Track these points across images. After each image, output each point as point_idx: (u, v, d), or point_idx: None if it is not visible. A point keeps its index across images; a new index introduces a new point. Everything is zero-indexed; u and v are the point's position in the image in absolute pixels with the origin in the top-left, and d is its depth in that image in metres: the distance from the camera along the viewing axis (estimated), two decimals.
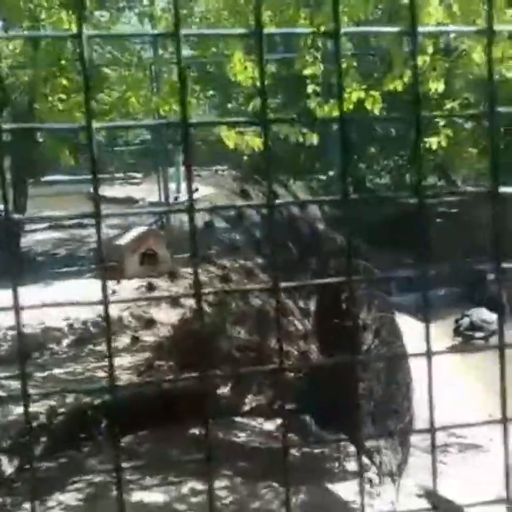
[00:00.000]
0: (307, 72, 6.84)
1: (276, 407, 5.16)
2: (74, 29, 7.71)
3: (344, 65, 6.96)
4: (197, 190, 16.24)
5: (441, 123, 6.44)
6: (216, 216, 5.38)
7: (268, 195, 1.02)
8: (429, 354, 0.85)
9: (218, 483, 4.71)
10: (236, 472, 4.89)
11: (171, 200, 11.94)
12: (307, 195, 5.49)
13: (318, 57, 6.84)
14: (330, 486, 4.67)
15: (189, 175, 0.92)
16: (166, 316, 6.23)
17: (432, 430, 0.75)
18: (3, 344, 7.00)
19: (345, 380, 4.43)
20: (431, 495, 4.56)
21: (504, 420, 0.76)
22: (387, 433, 4.49)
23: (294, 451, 5.08)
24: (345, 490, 4.58)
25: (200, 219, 5.42)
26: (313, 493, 4.46)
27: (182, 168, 16.70)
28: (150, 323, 6.98)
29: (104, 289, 0.85)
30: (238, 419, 5.65)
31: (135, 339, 6.36)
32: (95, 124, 0.87)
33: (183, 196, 16.29)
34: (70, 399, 5.63)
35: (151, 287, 5.70)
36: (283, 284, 0.93)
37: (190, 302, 5.30)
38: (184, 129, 0.82)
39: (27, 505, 4.62)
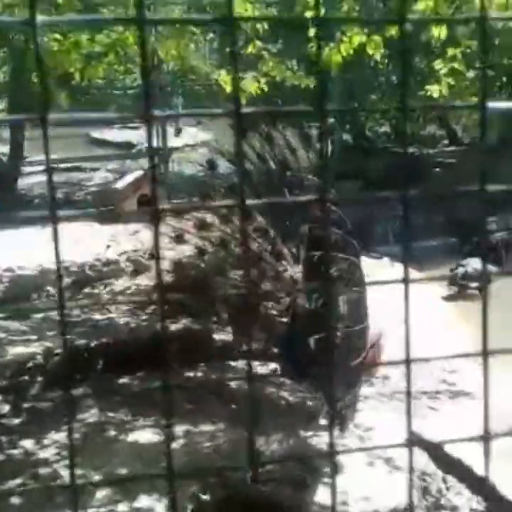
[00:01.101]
0: (308, 14, 6.71)
1: (269, 351, 5.22)
2: None
3: (345, 8, 6.85)
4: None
5: (443, 71, 6.35)
6: (219, 157, 5.39)
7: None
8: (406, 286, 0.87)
9: (205, 427, 4.80)
10: (224, 416, 4.97)
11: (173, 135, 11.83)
12: (303, 142, 5.44)
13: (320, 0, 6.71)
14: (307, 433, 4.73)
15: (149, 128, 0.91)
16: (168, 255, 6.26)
17: (407, 362, 0.76)
18: (0, 285, 7.04)
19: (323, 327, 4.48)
20: (412, 435, 4.64)
21: (485, 353, 0.77)
22: (345, 372, 4.54)
23: (287, 397, 5.17)
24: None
25: (203, 158, 5.44)
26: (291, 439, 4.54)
27: (181, 112, 16.54)
28: (145, 268, 7.02)
29: None
30: (232, 363, 5.72)
31: (134, 276, 6.41)
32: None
33: (180, 140, 16.18)
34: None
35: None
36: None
37: (188, 246, 5.32)
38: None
39: (23, 443, 4.71)
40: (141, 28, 0.77)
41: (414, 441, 4.53)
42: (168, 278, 5.54)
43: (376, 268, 7.17)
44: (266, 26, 6.78)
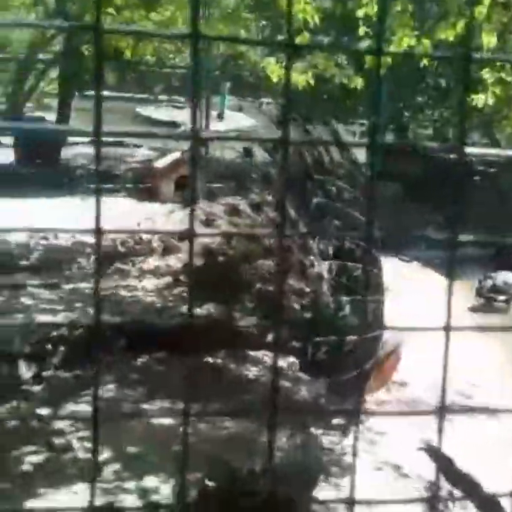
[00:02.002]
0: (361, 12, 6.70)
1: (288, 344, 5.25)
2: None
3: (398, 8, 6.81)
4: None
5: (490, 80, 6.30)
6: (257, 146, 5.39)
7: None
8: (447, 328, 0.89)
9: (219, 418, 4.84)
10: (239, 405, 5.01)
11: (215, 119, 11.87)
12: (347, 139, 5.43)
13: None
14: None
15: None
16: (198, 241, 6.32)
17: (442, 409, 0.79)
18: (35, 253, 7.16)
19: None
20: (432, 450, 4.65)
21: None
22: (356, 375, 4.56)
23: (304, 392, 5.19)
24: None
25: (240, 146, 5.45)
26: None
27: (227, 97, 16.57)
28: (176, 248, 7.09)
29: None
30: (253, 353, 5.76)
31: (163, 255, 6.46)
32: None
33: (223, 125, 16.21)
34: (91, 314, 5.78)
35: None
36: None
37: (223, 229, 5.35)
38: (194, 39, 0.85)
39: (40, 411, 4.81)
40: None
41: (426, 450, 4.55)
42: (195, 261, 5.60)
43: (405, 272, 7.16)
44: (317, 19, 6.76)
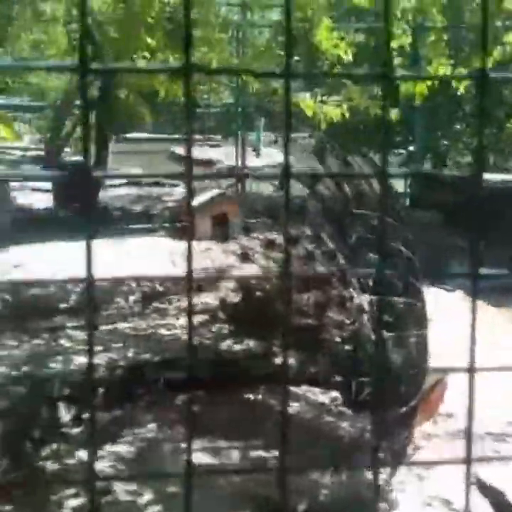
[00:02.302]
0: (395, 44, 6.67)
1: (331, 379, 5.14)
2: None
3: (432, 38, 6.77)
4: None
5: None
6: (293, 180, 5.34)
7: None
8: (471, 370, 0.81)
9: (259, 451, 4.73)
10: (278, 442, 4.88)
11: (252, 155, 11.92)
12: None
13: (407, 30, 6.67)
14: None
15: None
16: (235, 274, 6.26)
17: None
18: (73, 295, 7.16)
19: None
20: (483, 484, 4.47)
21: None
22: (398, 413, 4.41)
23: (345, 427, 5.05)
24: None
25: (276, 181, 5.41)
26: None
27: (262, 133, 16.66)
28: (213, 286, 7.03)
29: None
30: (294, 388, 5.64)
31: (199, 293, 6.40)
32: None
33: (260, 161, 16.26)
34: (130, 353, 5.74)
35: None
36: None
37: (254, 266, 5.30)
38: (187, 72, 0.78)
39: (80, 453, 4.74)
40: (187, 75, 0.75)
41: (475, 484, 4.37)
42: (233, 297, 5.55)
43: (448, 302, 6.99)
44: (349, 53, 6.77)
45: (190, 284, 0.78)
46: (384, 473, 4.33)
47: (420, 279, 4.60)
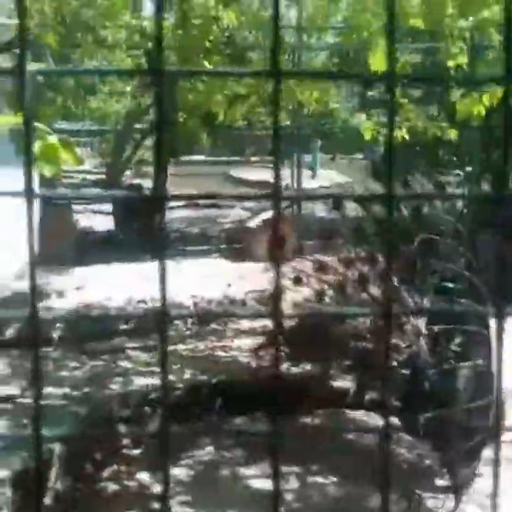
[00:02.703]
0: (451, 63, 6.63)
1: (389, 404, 5.07)
2: (220, 13, 7.80)
3: (491, 57, 6.72)
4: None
5: None
6: (347, 202, 5.34)
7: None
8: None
9: (318, 478, 4.71)
10: (338, 468, 4.85)
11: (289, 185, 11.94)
12: (438, 192, 5.30)
13: (464, 49, 6.62)
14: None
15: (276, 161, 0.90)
16: (290, 297, 6.27)
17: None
18: (132, 317, 7.26)
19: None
20: None
21: None
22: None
23: (404, 453, 4.99)
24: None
25: (330, 203, 5.40)
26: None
27: (319, 155, 16.67)
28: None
29: None
30: (352, 412, 5.60)
31: (257, 316, 6.42)
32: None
33: (315, 182, 16.28)
34: (187, 375, 5.79)
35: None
36: None
37: (314, 286, 5.28)
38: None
39: (140, 475, 4.79)
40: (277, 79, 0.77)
41: None
42: (288, 321, 5.54)
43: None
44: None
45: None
46: (446, 502, 4.26)
47: (487, 305, 4.49)
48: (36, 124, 2.31)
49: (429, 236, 4.73)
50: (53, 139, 2.35)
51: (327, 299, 5.11)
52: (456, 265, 4.68)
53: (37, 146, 2.29)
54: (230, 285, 7.88)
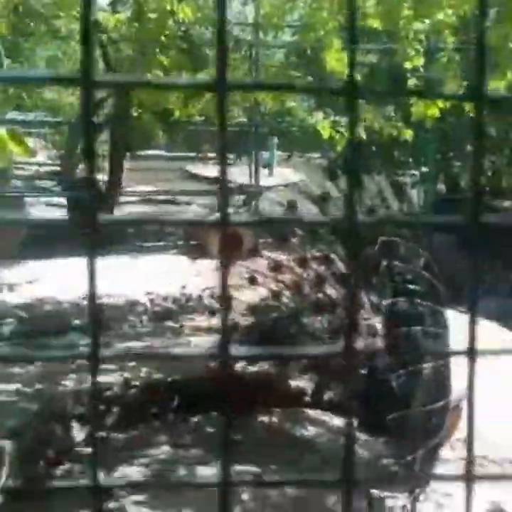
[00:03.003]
0: (408, 65, 6.70)
1: (346, 403, 5.10)
2: (176, 7, 7.75)
3: (445, 59, 6.81)
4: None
5: None
6: (302, 198, 5.33)
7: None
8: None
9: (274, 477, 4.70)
10: (294, 467, 4.87)
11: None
12: (394, 192, 5.34)
13: (420, 51, 6.70)
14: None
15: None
16: (245, 297, 6.26)
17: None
18: (86, 312, 7.18)
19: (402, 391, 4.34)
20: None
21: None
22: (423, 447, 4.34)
23: (361, 453, 5.03)
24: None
25: (285, 199, 5.38)
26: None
27: (276, 153, 16.70)
28: (228, 303, 7.03)
29: None
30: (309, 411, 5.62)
31: (211, 316, 6.39)
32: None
33: (272, 180, 16.29)
34: (143, 373, 5.75)
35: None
36: None
37: (269, 285, 5.28)
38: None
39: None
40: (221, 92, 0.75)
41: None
42: (243, 320, 5.54)
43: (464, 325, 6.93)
44: (359, 75, 6.79)
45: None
46: (402, 499, 4.30)
47: (444, 305, 4.54)
48: None
49: (389, 238, 4.76)
50: (1, 130, 2.29)
51: (283, 299, 5.11)
52: (414, 267, 4.72)
53: None
54: (184, 286, 7.83)
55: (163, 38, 8.33)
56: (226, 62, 0.75)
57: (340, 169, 5.39)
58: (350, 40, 0.81)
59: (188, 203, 15.23)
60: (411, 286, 4.62)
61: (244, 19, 13.07)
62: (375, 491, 4.37)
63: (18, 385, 5.32)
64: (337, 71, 6.68)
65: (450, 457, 4.88)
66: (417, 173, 11.48)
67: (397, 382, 4.45)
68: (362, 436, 5.02)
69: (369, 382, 4.67)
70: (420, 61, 6.60)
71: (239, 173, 16.16)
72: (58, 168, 17.09)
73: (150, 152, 19.09)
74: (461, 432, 4.98)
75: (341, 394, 5.18)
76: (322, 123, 6.98)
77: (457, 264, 4.49)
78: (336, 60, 6.55)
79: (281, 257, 5.23)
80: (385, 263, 4.76)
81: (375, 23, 6.94)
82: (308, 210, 5.36)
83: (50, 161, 20.54)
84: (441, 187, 11.66)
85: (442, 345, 4.49)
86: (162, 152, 19.56)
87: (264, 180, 13.00)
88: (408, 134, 6.86)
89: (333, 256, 5.11)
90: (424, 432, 4.30)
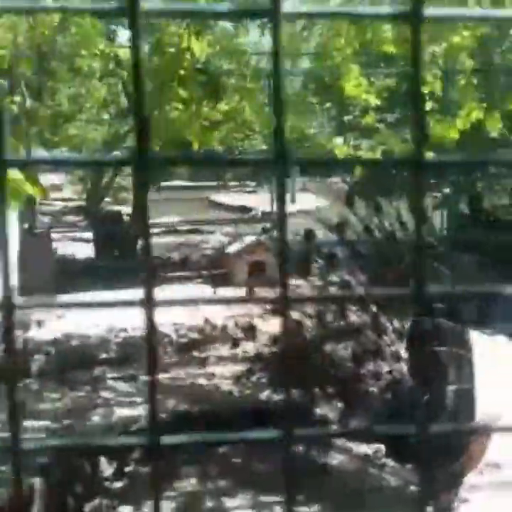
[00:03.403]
0: (426, 89, 6.70)
1: (373, 431, 5.06)
2: (192, 43, 7.85)
3: (463, 82, 6.80)
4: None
5: None
6: (320, 226, 5.33)
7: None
8: None
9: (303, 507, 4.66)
10: (322, 495, 4.82)
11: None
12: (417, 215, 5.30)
13: (437, 75, 6.70)
14: None
15: None
16: (270, 327, 6.25)
17: None
18: (114, 346, 7.20)
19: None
20: None
21: None
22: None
23: (389, 479, 4.97)
24: None
25: (302, 227, 5.38)
26: None
27: (297, 180, 16.74)
28: (252, 333, 7.03)
29: None
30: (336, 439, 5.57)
31: (235, 347, 6.39)
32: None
33: (294, 206, 16.30)
34: (170, 404, 5.74)
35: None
36: None
37: (293, 315, 5.27)
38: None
39: (122, 509, 4.73)
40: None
41: None
42: (268, 349, 5.53)
43: (491, 347, 6.86)
44: (378, 99, 6.82)
45: None
46: None
47: (467, 326, 4.48)
48: None
49: (404, 256, 4.73)
50: (16, 173, 2.34)
51: (307, 328, 5.10)
52: (439, 287, 4.67)
53: None
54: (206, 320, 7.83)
55: (181, 71, 8.43)
56: (284, 134, 0.69)
57: (357, 194, 5.38)
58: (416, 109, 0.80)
59: (212, 232, 15.29)
60: (434, 306, 4.57)
61: (262, 48, 13.20)
62: None
63: (47, 422, 5.34)
64: (355, 96, 6.72)
65: (479, 483, 4.81)
66: (438, 194, 11.44)
67: (421, 405, 4.40)
68: (389, 463, 4.97)
69: (394, 407, 4.63)
70: (438, 85, 6.60)
71: (261, 201, 16.21)
72: (84, 203, 17.28)
73: (173, 183, 19.25)
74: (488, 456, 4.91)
75: (366, 420, 5.14)
76: (341, 148, 7.00)
77: (479, 282, 4.45)
78: (353, 86, 6.59)
79: (303, 288, 5.22)
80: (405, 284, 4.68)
81: (391, 48, 6.98)
82: (326, 237, 5.36)
83: (76, 196, 20.79)
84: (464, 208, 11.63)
85: (467, 368, 4.43)
86: (185, 182, 19.71)
87: (288, 207, 12.99)
88: (429, 157, 6.84)
89: (353, 282, 5.09)
90: (449, 455, 4.23)
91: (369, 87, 6.73)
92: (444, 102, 7.45)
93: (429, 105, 6.73)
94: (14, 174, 2.34)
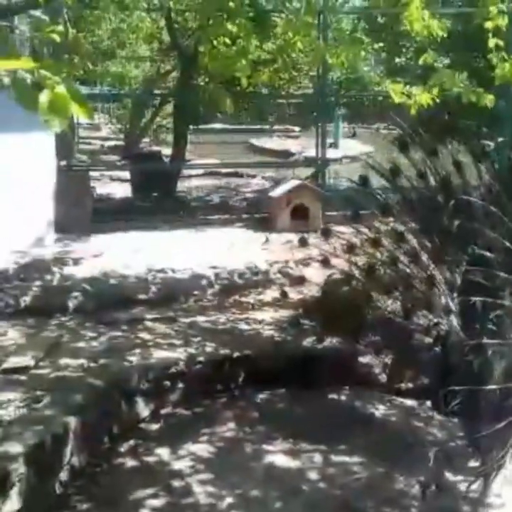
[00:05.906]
0: (489, 25, 6.27)
1: (418, 382, 4.86)
2: None
3: None
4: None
5: None
6: (373, 173, 5.03)
7: None
8: None
9: (343, 457, 4.50)
10: (364, 447, 4.64)
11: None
12: (472, 159, 4.97)
13: (504, 10, 6.25)
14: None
15: None
16: (314, 274, 6.04)
17: None
18: (152, 286, 7.04)
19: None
20: None
21: None
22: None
23: (435, 432, 4.78)
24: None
25: (356, 174, 5.10)
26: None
27: (341, 124, 16.33)
28: (297, 280, 6.82)
29: None
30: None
31: (283, 294, 6.22)
32: None
33: (338, 152, 15.93)
34: (209, 348, 5.58)
35: (303, 242, 5.48)
36: None
37: (340, 263, 5.05)
38: None
39: (159, 451, 4.61)
40: None
41: None
42: (316, 298, 5.31)
43: None
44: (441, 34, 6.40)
45: None
46: (477, 485, 4.03)
47: None
48: (42, 71, 2.05)
49: (467, 198, 4.41)
50: (62, 88, 2.09)
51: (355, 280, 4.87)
52: (494, 233, 4.34)
53: (43, 97, 2.04)
54: (254, 266, 7.64)
55: (230, 4, 8.03)
56: None
57: (411, 139, 5.06)
58: None
59: (252, 176, 15.03)
60: (488, 254, 4.26)
61: None
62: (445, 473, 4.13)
63: (83, 360, 5.22)
64: (417, 31, 6.32)
65: None
66: (492, 142, 10.95)
67: (470, 359, 4.14)
68: (436, 416, 4.77)
69: (443, 361, 4.38)
70: (504, 21, 6.16)
71: (304, 146, 15.88)
72: (122, 143, 17.08)
73: (214, 125, 18.94)
74: None
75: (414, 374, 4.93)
76: (395, 87, 6.60)
77: None
78: (416, 20, 6.18)
79: (354, 238, 4.99)
80: (459, 230, 4.36)
81: None
82: (378, 184, 5.08)
83: (113, 136, 20.61)
84: None
85: None
86: (226, 125, 19.40)
87: (330, 153, 12.65)
88: (489, 100, 6.42)
89: (404, 231, 4.82)
90: (498, 411, 3.99)
91: (431, 20, 6.31)
92: (510, 39, 6.99)
93: (492, 42, 6.31)
94: (61, 91, 2.08)
